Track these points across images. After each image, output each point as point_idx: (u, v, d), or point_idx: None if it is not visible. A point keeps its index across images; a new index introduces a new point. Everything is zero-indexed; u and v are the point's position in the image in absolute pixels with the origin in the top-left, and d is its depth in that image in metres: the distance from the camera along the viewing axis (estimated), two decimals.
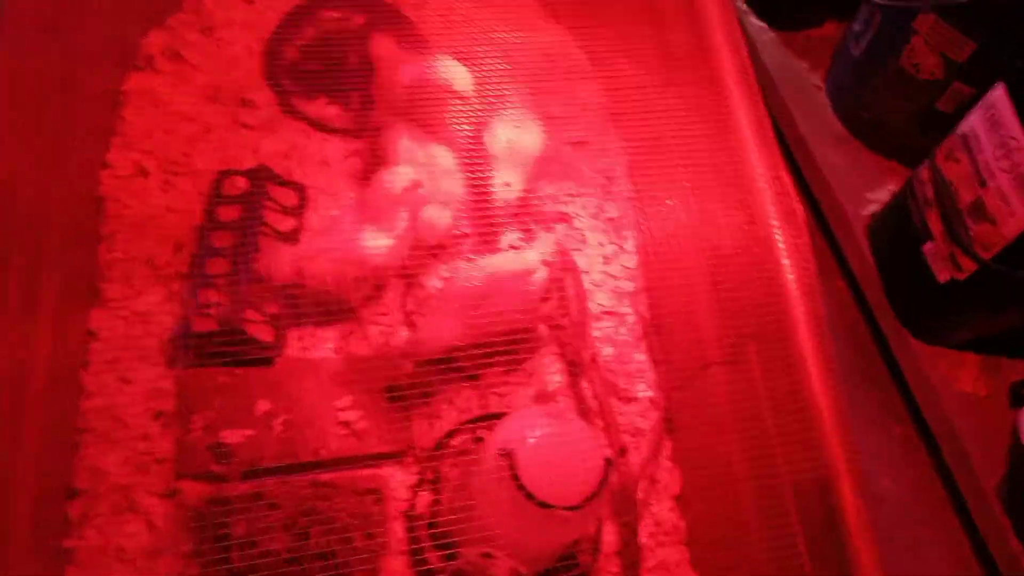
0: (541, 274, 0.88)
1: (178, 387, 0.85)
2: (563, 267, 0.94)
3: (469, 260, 0.88)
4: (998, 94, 0.92)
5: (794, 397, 0.73)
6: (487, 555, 0.72)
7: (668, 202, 0.88)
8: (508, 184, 0.94)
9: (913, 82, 1.11)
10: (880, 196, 1.19)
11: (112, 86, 0.99)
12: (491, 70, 1.00)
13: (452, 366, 0.90)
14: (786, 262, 0.74)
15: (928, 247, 1.03)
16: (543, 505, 0.70)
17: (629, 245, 1.04)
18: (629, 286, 1.01)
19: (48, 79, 0.80)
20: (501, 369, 0.92)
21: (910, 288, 1.09)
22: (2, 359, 0.70)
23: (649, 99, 0.90)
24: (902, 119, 1.17)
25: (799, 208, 0.75)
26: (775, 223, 0.75)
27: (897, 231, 1.10)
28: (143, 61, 1.03)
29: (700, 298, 0.88)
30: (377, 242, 0.86)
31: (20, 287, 0.74)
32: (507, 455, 0.71)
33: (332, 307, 0.88)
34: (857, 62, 1.20)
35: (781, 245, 0.74)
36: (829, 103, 1.27)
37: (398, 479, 0.87)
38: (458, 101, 0.96)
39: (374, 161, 0.96)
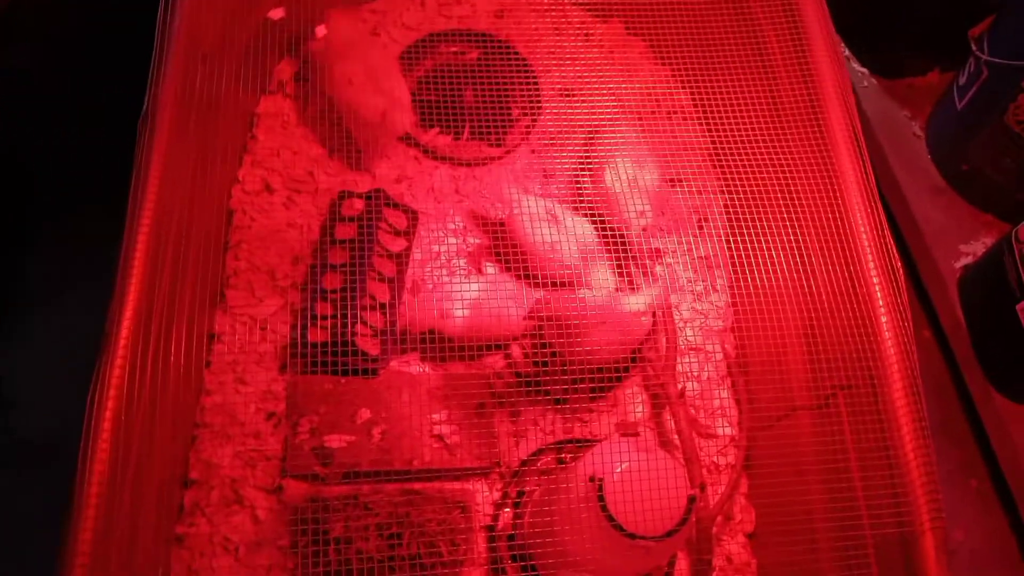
0: (647, 320, 0.88)
1: (289, 391, 0.88)
2: (658, 306, 0.93)
3: (579, 294, 0.89)
4: None
5: (883, 451, 0.71)
6: None
7: (764, 249, 0.87)
8: (609, 219, 0.95)
9: (1016, 139, 1.07)
10: (974, 249, 1.15)
11: (249, 108, 1.04)
12: (599, 106, 1.01)
13: (541, 389, 0.91)
14: (885, 319, 0.72)
15: (1022, 305, 0.99)
16: (626, 534, 0.70)
17: (720, 284, 1.03)
18: (717, 324, 1.00)
19: (199, 101, 0.84)
20: (587, 396, 0.92)
21: (999, 344, 1.05)
22: (150, 356, 0.74)
23: (755, 152, 0.89)
24: (1002, 174, 1.13)
25: (900, 268, 0.73)
26: (876, 281, 0.73)
27: (990, 287, 1.06)
28: (275, 86, 1.07)
29: (791, 344, 0.86)
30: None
31: (167, 291, 0.78)
32: (596, 482, 0.71)
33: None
34: (960, 115, 1.16)
35: (881, 303, 0.72)
36: (928, 152, 1.24)
37: (483, 494, 0.88)
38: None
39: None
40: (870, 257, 0.75)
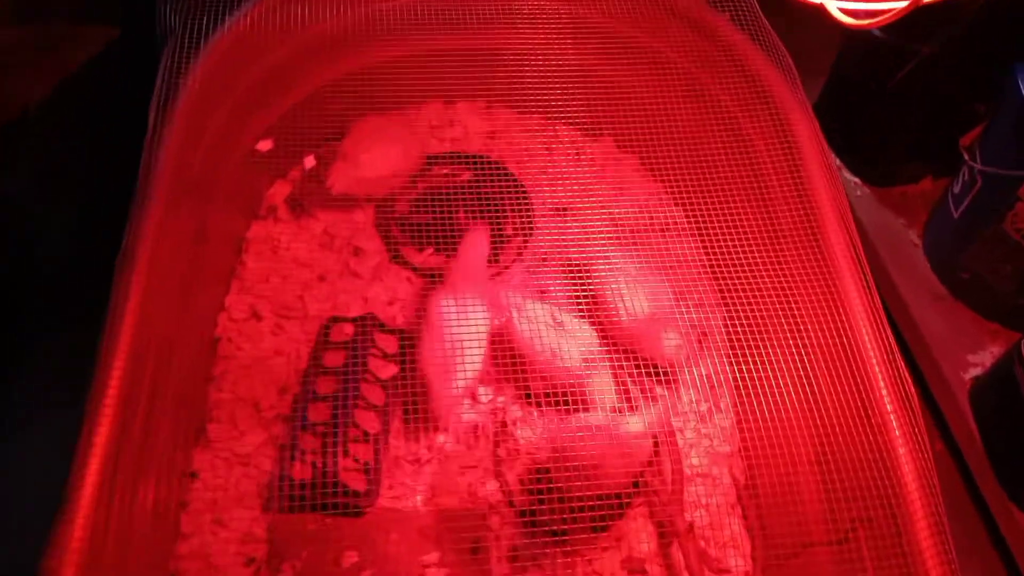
0: (646, 444, 0.83)
1: (270, 533, 0.82)
2: (660, 429, 0.88)
3: (567, 415, 0.84)
4: None
5: None
6: None
7: (768, 367, 0.82)
8: (606, 334, 0.91)
9: (1016, 246, 1.04)
10: (982, 359, 1.11)
11: (238, 234, 1.02)
12: (590, 223, 0.99)
13: (536, 519, 0.85)
14: (902, 451, 0.67)
15: None
16: None
17: (724, 404, 0.98)
18: (724, 448, 0.94)
19: (185, 230, 0.82)
20: (587, 529, 0.85)
21: (1015, 457, 0.99)
22: (118, 499, 0.68)
23: (753, 267, 0.86)
24: (1004, 281, 1.10)
25: (914, 395, 0.69)
26: (890, 408, 0.69)
27: (1002, 399, 1.01)
28: (265, 210, 1.05)
29: (803, 471, 0.81)
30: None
31: (140, 426, 0.73)
32: None
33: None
34: (957, 223, 1.13)
35: (898, 432, 0.68)
36: (926, 261, 1.21)
37: None
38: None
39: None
40: (882, 383, 0.71)
